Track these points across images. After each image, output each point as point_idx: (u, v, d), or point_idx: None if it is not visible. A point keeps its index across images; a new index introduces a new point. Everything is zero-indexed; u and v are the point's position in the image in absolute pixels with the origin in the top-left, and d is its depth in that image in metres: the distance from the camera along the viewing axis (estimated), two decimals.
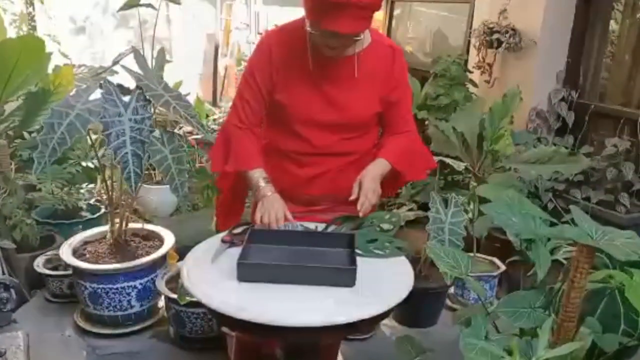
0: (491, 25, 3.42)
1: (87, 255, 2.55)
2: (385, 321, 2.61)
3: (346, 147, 1.82)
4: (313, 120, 1.79)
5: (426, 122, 3.37)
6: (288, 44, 1.76)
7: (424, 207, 2.57)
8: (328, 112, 1.78)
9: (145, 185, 3.46)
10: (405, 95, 1.89)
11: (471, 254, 2.60)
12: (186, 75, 6.06)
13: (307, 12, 1.63)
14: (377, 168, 1.80)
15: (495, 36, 3.39)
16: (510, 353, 1.15)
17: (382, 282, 1.55)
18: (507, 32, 3.35)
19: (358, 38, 1.64)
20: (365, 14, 1.58)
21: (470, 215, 2.56)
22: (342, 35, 1.59)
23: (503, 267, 2.79)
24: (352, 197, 1.73)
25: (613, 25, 3.40)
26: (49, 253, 2.86)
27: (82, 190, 3.43)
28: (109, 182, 2.60)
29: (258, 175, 1.78)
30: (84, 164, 3.46)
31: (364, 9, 1.55)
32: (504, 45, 3.36)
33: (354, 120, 1.81)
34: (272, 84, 1.78)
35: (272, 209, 1.71)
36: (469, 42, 3.75)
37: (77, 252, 2.56)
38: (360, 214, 1.73)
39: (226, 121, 1.90)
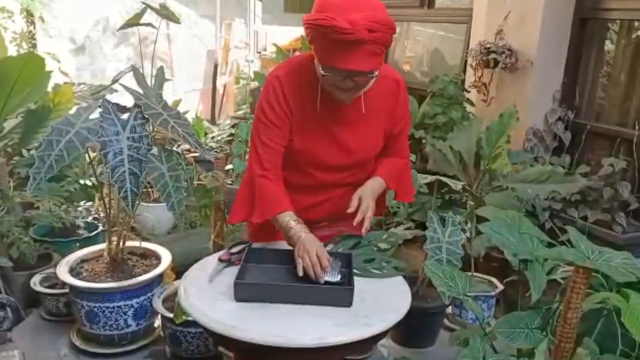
0: (488, 45, 3.45)
1: (84, 274, 2.54)
2: (383, 341, 2.59)
3: (349, 180, 1.84)
4: (323, 164, 1.79)
5: (423, 141, 3.38)
6: (299, 87, 1.72)
7: (422, 226, 2.57)
8: (338, 156, 1.78)
9: (142, 203, 3.45)
10: (406, 127, 1.91)
11: (469, 274, 2.60)
12: (186, 92, 6.12)
13: (320, 54, 1.58)
14: (373, 186, 1.81)
15: (492, 56, 3.41)
16: None
17: (380, 302, 1.55)
18: (503, 52, 3.38)
19: (373, 76, 1.60)
20: (378, 49, 1.54)
21: (468, 234, 2.56)
22: (357, 74, 1.56)
23: (501, 287, 2.79)
24: (350, 210, 1.73)
25: (608, 45, 3.43)
26: (45, 271, 2.85)
27: (79, 208, 3.43)
28: (106, 200, 2.60)
29: (288, 218, 1.68)
30: (82, 181, 3.46)
31: (377, 44, 1.52)
32: (500, 65, 3.39)
33: (362, 161, 1.83)
34: (291, 124, 1.74)
35: (311, 253, 1.59)
36: (466, 61, 3.78)
37: (74, 271, 2.55)
38: (363, 232, 1.74)
39: (247, 173, 1.82)
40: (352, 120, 1.77)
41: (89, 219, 3.43)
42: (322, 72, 1.58)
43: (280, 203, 1.72)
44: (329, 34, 1.48)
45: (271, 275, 1.65)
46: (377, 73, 1.60)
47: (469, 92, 3.66)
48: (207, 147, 4.30)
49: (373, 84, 1.74)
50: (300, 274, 1.58)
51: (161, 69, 2.70)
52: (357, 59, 1.51)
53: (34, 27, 5.29)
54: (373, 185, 1.82)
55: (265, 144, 1.74)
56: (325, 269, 1.58)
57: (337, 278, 1.60)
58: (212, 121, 6.03)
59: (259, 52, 6.42)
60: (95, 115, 2.20)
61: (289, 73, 1.74)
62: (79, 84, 3.96)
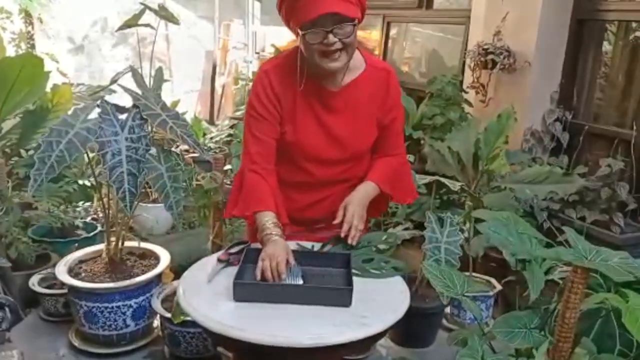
0: (486, 47, 3.46)
1: (83, 274, 2.54)
2: (381, 341, 2.59)
3: (346, 175, 1.84)
4: (317, 157, 1.80)
5: (422, 142, 3.39)
6: (287, 77, 1.74)
7: (420, 226, 2.57)
8: (332, 149, 1.79)
9: (141, 204, 3.46)
10: (397, 118, 1.88)
11: (467, 274, 2.60)
12: (185, 93, 6.12)
13: (293, 17, 1.62)
14: (365, 192, 1.81)
15: (490, 57, 3.42)
16: None
17: (378, 302, 1.55)
18: (501, 53, 3.38)
19: (353, 24, 1.60)
20: None
21: (466, 234, 2.57)
22: (335, 20, 1.56)
23: (499, 287, 2.79)
24: (337, 221, 1.75)
25: (606, 46, 3.44)
26: (44, 271, 2.85)
27: (78, 209, 3.43)
28: (105, 201, 2.60)
29: (267, 219, 1.69)
30: (80, 182, 3.46)
31: None
32: (498, 66, 3.39)
33: (356, 153, 1.83)
34: (280, 116, 1.76)
35: (273, 257, 1.59)
36: (464, 62, 3.79)
37: (72, 271, 2.55)
38: (350, 242, 1.74)
39: (240, 167, 1.84)
40: (345, 111, 1.77)
41: (88, 219, 3.44)
42: (302, 33, 1.60)
43: (262, 201, 1.73)
44: None
45: None
46: (356, 23, 1.61)
47: (467, 92, 3.66)
48: (205, 147, 4.30)
49: (364, 74, 1.76)
50: (258, 277, 1.58)
51: (160, 69, 2.70)
52: (327, 1, 1.54)
53: (33, 28, 5.29)
54: (366, 190, 1.81)
55: (255, 137, 1.77)
56: (281, 275, 1.56)
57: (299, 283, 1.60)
58: (211, 122, 6.04)
59: (258, 53, 6.42)
60: (93, 115, 2.20)
61: (277, 65, 1.77)
62: (78, 84, 3.96)
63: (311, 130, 1.77)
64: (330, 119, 1.77)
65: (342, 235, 1.74)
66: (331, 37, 1.59)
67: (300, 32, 1.62)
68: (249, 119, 1.79)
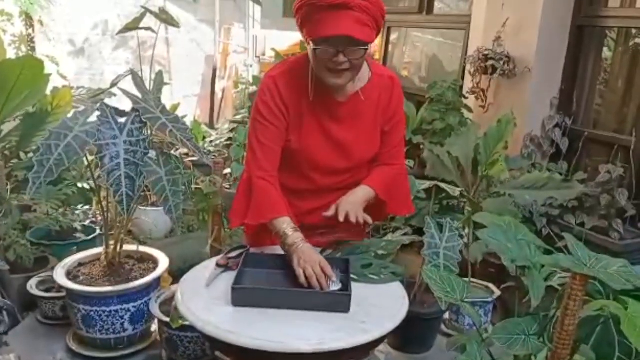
0: (486, 52, 3.46)
1: (81, 277, 2.53)
2: (380, 347, 2.59)
3: (348, 182, 1.85)
4: (322, 166, 1.80)
5: (421, 147, 3.39)
6: (294, 84, 1.73)
7: (419, 231, 2.57)
8: (337, 159, 1.79)
9: (140, 207, 3.45)
10: (398, 127, 1.87)
11: (466, 279, 2.60)
12: (184, 97, 6.13)
13: (310, 32, 1.60)
14: (362, 193, 1.80)
15: (490, 63, 3.43)
16: None
17: (377, 308, 1.55)
18: (501, 59, 3.39)
19: (365, 47, 1.60)
20: (366, 19, 1.55)
21: (465, 240, 2.56)
22: (347, 42, 1.56)
23: (498, 293, 2.79)
24: (328, 214, 1.73)
25: (606, 52, 3.44)
26: (42, 274, 2.83)
27: (77, 212, 3.43)
28: (104, 204, 2.60)
29: (285, 225, 1.68)
30: (79, 185, 3.46)
31: (364, 13, 1.54)
32: (498, 71, 3.40)
33: (361, 162, 1.84)
34: (287, 123, 1.75)
35: (314, 263, 1.59)
36: (464, 67, 3.79)
37: (71, 274, 2.54)
38: (340, 218, 1.70)
39: (246, 174, 1.81)
40: (349, 120, 1.77)
41: (87, 222, 3.43)
42: (313, 47, 1.60)
43: (277, 208, 1.72)
44: (317, 2, 1.53)
45: (269, 280, 1.65)
46: (368, 48, 1.61)
47: (467, 98, 3.67)
48: (205, 151, 4.30)
49: (370, 83, 1.76)
50: (305, 284, 1.57)
51: (160, 73, 2.70)
52: (346, 23, 1.53)
53: (33, 30, 5.30)
54: (363, 192, 1.80)
55: (262, 143, 1.75)
56: (331, 278, 1.58)
57: (338, 287, 1.60)
58: (211, 125, 6.04)
59: (258, 57, 6.44)
60: (93, 118, 2.20)
61: (284, 72, 1.76)
62: (78, 87, 3.95)
63: (317, 139, 1.76)
64: (336, 128, 1.77)
65: (331, 213, 1.71)
66: (341, 57, 1.60)
67: (311, 45, 1.61)
68: (255, 125, 1.77)
